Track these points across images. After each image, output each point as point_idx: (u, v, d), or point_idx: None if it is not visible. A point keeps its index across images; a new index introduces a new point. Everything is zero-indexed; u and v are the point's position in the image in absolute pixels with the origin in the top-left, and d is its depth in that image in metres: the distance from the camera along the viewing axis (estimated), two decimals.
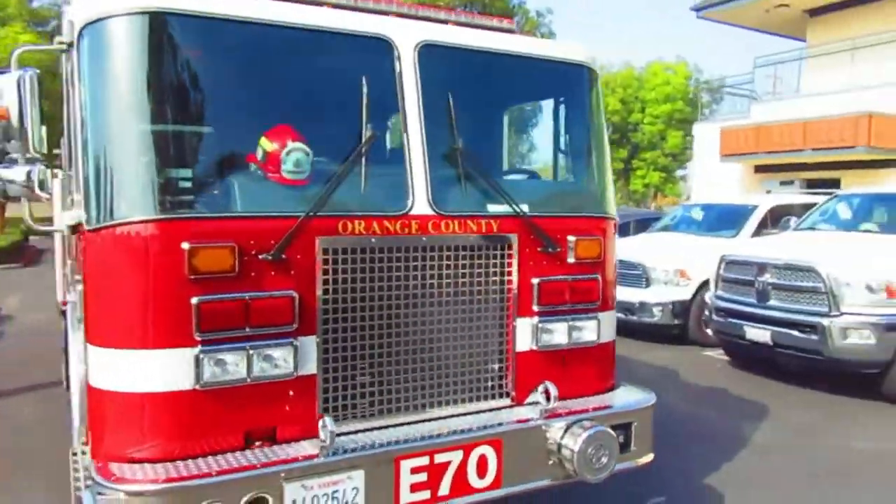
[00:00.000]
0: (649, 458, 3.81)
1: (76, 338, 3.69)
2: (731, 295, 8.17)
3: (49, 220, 3.56)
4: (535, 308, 3.65)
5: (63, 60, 3.38)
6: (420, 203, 3.33)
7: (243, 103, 3.27)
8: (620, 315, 7.76)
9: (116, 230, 2.84)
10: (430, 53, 3.45)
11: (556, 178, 4.22)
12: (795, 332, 7.26)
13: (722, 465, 5.26)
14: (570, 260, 3.74)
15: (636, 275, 9.95)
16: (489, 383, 3.61)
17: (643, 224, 13.78)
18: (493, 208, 3.56)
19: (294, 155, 3.13)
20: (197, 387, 2.86)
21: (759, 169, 20.33)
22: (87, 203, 2.93)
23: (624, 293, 9.12)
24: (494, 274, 3.55)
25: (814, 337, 7.09)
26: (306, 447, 3.00)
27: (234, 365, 2.91)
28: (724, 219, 11.21)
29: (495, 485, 3.29)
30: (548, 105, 4.12)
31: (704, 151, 21.96)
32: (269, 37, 3.14)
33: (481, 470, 3.26)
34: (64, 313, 6.01)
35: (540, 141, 4.12)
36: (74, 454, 3.47)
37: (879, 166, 17.13)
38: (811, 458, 5.50)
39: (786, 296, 7.48)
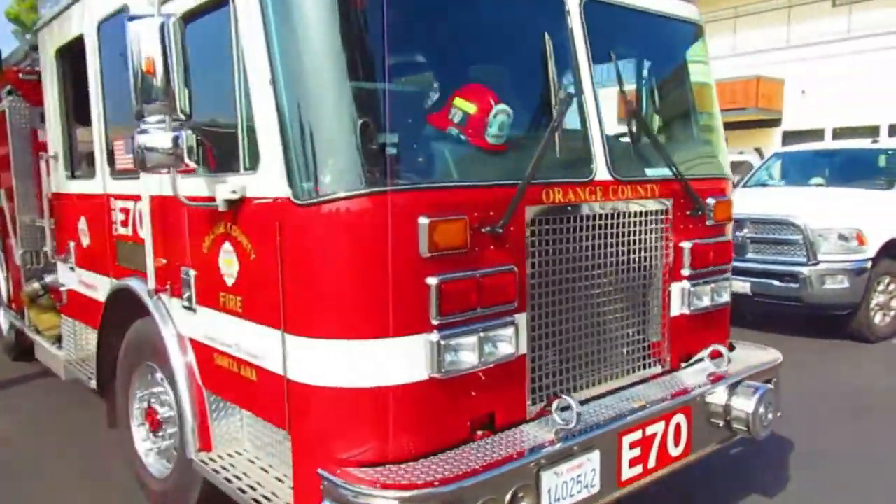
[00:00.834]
0: (779, 413, 3.93)
1: (187, 321, 3.23)
2: None
3: None
4: (686, 272, 3.61)
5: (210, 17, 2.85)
6: (601, 169, 3.17)
7: (434, 59, 2.93)
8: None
9: (340, 205, 2.46)
10: (592, 10, 3.25)
11: (692, 139, 4.17)
12: (775, 282, 7.76)
13: None
14: (709, 223, 3.73)
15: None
16: (648, 351, 3.55)
17: None
18: (650, 172, 3.47)
19: (499, 118, 2.86)
20: (436, 375, 2.58)
21: None
22: (291, 175, 2.52)
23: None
24: (656, 239, 3.47)
25: (794, 285, 7.60)
26: (536, 431, 2.81)
27: (468, 350, 2.64)
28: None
29: (686, 452, 3.26)
30: (673, 66, 4.04)
31: None
32: None
33: (677, 439, 3.21)
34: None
35: (669, 101, 4.03)
36: (211, 460, 3.07)
37: (766, 126, 18.57)
38: (822, 395, 5.89)
39: (765, 248, 7.96)
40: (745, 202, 8.67)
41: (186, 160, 2.73)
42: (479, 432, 2.78)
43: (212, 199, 2.88)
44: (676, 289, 3.60)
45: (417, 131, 2.85)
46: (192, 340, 3.37)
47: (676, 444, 3.21)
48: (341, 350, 2.51)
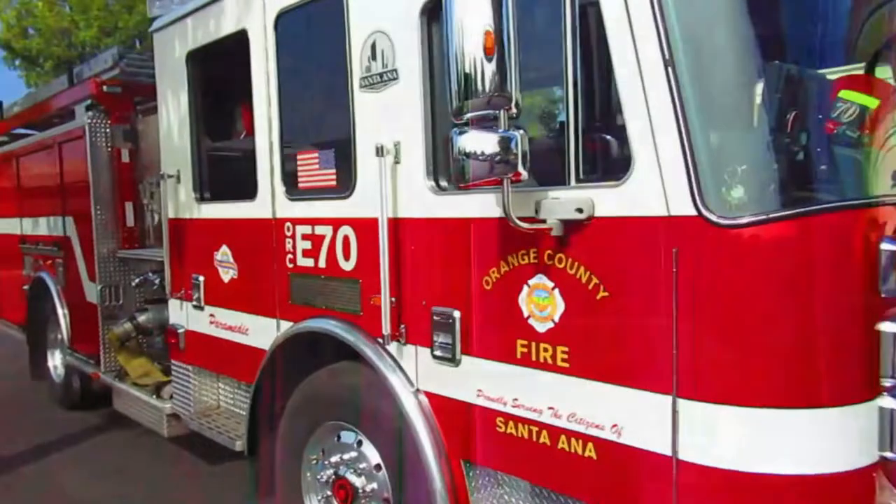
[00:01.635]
0: None
1: (439, 375, 2.56)
2: None
3: None
4: None
5: None
6: None
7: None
8: None
9: (790, 226, 1.81)
10: None
11: None
12: None
13: None
14: None
15: None
16: None
17: None
18: None
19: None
20: (889, 455, 1.93)
21: None
22: (703, 186, 1.87)
23: None
24: None
25: None
26: None
27: None
28: None
29: None
30: None
31: None
32: None
33: None
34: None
35: None
36: None
37: None
38: None
39: None
40: None
41: (520, 169, 2.07)
42: None
43: (531, 219, 2.22)
44: None
45: (820, 132, 2.23)
46: (440, 397, 2.68)
47: None
48: (789, 423, 1.84)
